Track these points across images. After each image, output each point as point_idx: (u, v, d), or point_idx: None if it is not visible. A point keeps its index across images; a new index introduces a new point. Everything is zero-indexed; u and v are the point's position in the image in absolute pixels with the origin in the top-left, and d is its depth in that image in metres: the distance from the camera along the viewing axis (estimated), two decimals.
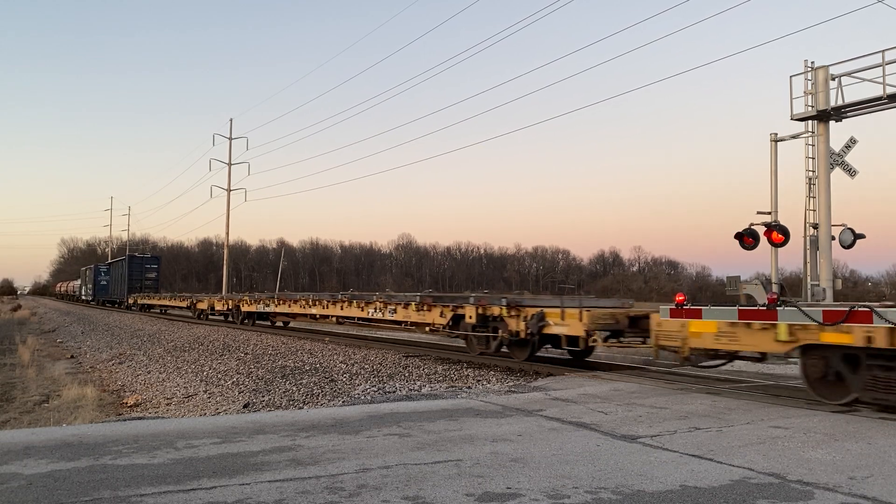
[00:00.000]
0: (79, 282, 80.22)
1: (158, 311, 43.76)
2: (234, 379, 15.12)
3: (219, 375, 16.15)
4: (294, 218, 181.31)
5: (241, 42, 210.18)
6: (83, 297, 72.71)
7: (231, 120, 59.95)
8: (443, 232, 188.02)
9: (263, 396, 12.65)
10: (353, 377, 12.49)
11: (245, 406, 12.32)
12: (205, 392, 14.97)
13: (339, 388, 11.68)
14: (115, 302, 58.52)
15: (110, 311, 53.03)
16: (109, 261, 70.59)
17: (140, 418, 8.51)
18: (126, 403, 15.96)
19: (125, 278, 52.64)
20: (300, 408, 10.71)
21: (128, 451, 5.27)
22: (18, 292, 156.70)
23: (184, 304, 35.69)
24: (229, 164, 51.84)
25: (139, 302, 47.18)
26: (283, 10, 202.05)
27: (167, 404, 14.95)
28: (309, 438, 5.85)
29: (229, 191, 51.31)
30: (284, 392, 12.44)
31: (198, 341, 22.77)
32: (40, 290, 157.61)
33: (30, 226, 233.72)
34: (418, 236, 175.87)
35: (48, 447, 5.36)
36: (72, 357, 27.98)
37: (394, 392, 10.22)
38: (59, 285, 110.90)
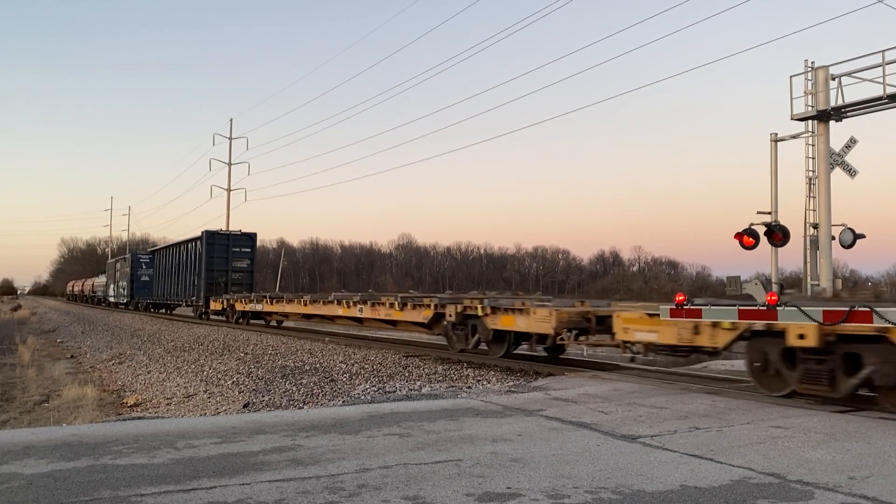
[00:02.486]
0: (103, 278, 61.57)
1: (265, 322, 26.61)
2: (234, 379, 15.12)
3: (219, 375, 16.15)
4: (294, 218, 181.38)
5: (241, 42, 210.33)
6: (111, 299, 54.52)
7: (231, 120, 59.98)
8: (443, 232, 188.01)
9: (263, 396, 12.65)
10: (353, 377, 12.49)
11: (245, 406, 12.33)
12: (205, 392, 14.97)
13: (339, 388, 11.68)
14: (165, 306, 41.08)
15: (112, 311, 51.97)
16: (159, 245, 48.69)
17: (140, 418, 8.51)
18: (126, 403, 15.97)
19: (200, 268, 32.20)
20: (300, 408, 10.71)
21: (128, 451, 5.27)
22: (18, 292, 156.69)
23: (415, 314, 15.37)
24: (229, 164, 51.89)
25: (239, 308, 26.80)
26: (282, 10, 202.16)
27: (167, 404, 14.95)
28: (309, 438, 5.85)
29: (229, 191, 51.36)
30: (284, 392, 12.44)
31: (198, 341, 22.77)
32: (40, 290, 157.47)
33: (30, 226, 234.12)
34: (418, 236, 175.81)
35: (48, 447, 5.36)
36: (72, 357, 28.01)
37: (394, 392, 10.21)
38: (72, 284, 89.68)
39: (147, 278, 45.62)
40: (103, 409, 15.17)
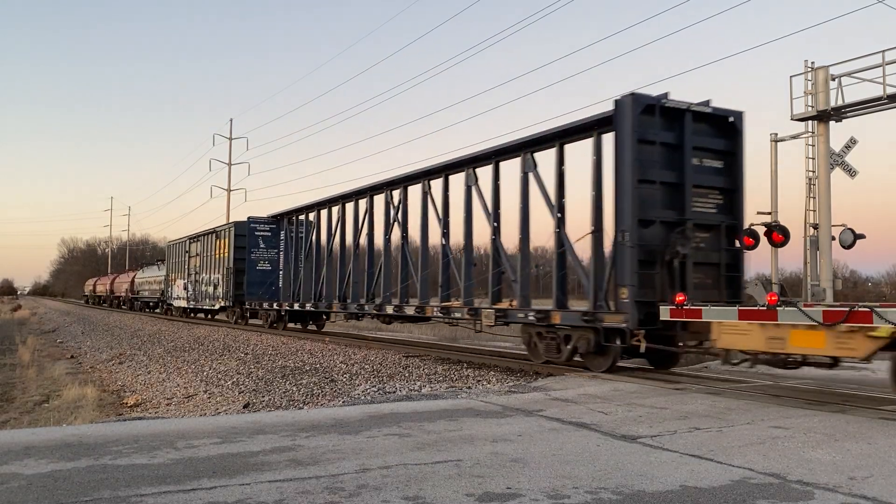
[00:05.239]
0: (155, 271, 42.49)
1: None
2: (235, 379, 15.11)
3: (219, 375, 16.15)
4: None
5: (241, 42, 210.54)
6: (177, 303, 34.79)
7: (231, 120, 59.94)
8: None
9: (263, 396, 12.65)
10: (353, 377, 12.49)
11: (245, 406, 12.32)
12: (205, 392, 14.96)
13: (339, 389, 11.68)
14: (316, 317, 23.58)
15: (112, 311, 51.24)
16: (305, 202, 22.61)
17: (140, 418, 8.51)
18: (126, 403, 15.96)
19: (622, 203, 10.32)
20: (300, 408, 10.70)
21: (128, 451, 5.27)
22: (18, 292, 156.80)
23: None
24: (229, 165, 51.90)
25: None
26: (283, 11, 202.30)
27: (167, 404, 14.94)
28: (309, 438, 5.85)
29: (229, 191, 51.37)
30: (284, 392, 12.44)
31: (198, 341, 22.78)
32: (41, 291, 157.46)
33: (30, 226, 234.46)
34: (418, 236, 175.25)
35: (48, 447, 5.36)
36: (72, 357, 27.98)
37: (394, 392, 10.22)
38: (93, 282, 68.52)
39: (267, 266, 24.92)
40: (103, 410, 15.16)
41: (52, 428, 7.48)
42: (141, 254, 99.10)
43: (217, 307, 28.26)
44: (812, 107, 12.81)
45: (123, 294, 51.75)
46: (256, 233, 25.45)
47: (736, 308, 8.59)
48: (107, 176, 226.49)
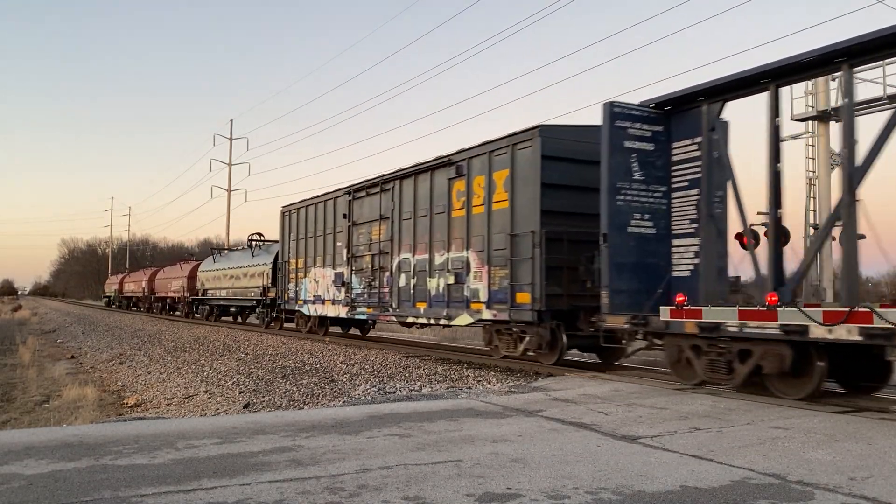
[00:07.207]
0: (245, 259, 26.70)
1: None
2: (235, 379, 15.12)
3: (219, 375, 16.16)
4: None
5: (242, 42, 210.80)
6: (306, 309, 19.83)
7: (231, 120, 59.95)
8: None
9: (264, 397, 12.66)
10: (354, 377, 12.49)
11: (245, 406, 12.33)
12: (205, 392, 14.98)
13: (340, 389, 11.69)
14: None
15: (112, 311, 51.12)
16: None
17: (140, 418, 8.51)
18: (126, 404, 15.98)
19: None
20: (300, 408, 10.71)
21: (128, 451, 5.27)
22: (19, 293, 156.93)
23: None
24: (230, 165, 51.94)
25: None
26: (284, 11, 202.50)
27: (167, 404, 14.96)
28: (309, 439, 5.85)
29: (230, 191, 51.41)
30: (285, 392, 12.45)
31: (198, 341, 22.78)
32: (41, 291, 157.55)
33: (30, 226, 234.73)
34: None
35: (48, 447, 5.36)
36: (72, 357, 28.02)
37: (394, 392, 10.22)
38: (119, 280, 55.09)
39: (648, 226, 10.08)
40: (104, 410, 15.18)
41: (52, 428, 7.49)
42: (141, 254, 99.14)
43: (461, 321, 13.38)
44: (812, 107, 12.82)
45: (175, 294, 36.24)
46: (626, 143, 10.19)
47: (736, 308, 8.58)
48: (107, 176, 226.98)
